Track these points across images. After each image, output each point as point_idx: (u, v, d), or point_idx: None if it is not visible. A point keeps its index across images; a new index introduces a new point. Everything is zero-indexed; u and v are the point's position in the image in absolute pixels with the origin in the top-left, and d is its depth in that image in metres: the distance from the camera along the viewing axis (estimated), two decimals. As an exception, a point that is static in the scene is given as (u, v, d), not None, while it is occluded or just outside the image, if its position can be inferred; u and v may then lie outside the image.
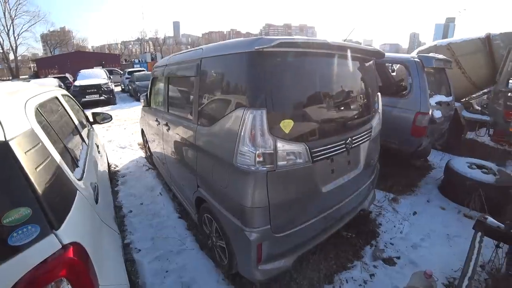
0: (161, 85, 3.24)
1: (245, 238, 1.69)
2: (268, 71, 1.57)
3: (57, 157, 1.34)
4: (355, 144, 2.13)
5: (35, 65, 37.21)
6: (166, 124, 2.92)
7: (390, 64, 5.53)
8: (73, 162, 1.69)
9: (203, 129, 2.07)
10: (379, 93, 2.58)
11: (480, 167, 3.44)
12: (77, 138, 2.30)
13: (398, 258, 2.46)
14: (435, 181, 3.94)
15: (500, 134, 5.20)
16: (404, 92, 3.75)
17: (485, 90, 6.10)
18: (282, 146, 1.61)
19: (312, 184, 1.87)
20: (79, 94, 12.03)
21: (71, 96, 3.21)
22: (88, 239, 1.18)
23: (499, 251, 2.06)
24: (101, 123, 3.68)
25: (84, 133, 2.66)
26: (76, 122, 2.55)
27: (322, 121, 1.89)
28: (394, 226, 2.87)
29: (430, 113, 3.47)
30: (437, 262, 2.39)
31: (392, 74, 5.55)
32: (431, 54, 3.93)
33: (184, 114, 2.50)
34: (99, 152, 2.85)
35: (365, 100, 2.35)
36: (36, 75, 29.95)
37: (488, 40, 5.45)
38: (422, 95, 3.48)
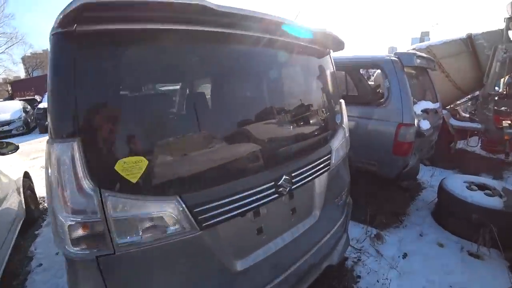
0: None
1: None
2: (88, 68, 0.82)
3: None
4: (300, 182, 1.34)
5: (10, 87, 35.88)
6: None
7: (365, 70, 4.93)
8: None
9: None
10: (342, 101, 1.82)
11: (481, 187, 2.76)
12: None
13: (385, 338, 1.68)
14: (428, 205, 3.23)
15: (493, 143, 4.70)
16: (381, 100, 3.04)
17: (469, 96, 5.65)
18: (121, 206, 0.84)
19: (209, 264, 1.07)
20: (44, 117, 11.28)
21: None
22: None
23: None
24: (8, 154, 3.06)
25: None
26: None
27: (220, 151, 1.11)
28: (378, 281, 2.09)
29: (416, 123, 2.77)
30: None
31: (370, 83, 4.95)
32: (411, 51, 3.29)
33: None
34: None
35: (317, 112, 1.60)
36: (11, 98, 28.90)
37: (470, 40, 5.03)
38: (404, 101, 2.76)
